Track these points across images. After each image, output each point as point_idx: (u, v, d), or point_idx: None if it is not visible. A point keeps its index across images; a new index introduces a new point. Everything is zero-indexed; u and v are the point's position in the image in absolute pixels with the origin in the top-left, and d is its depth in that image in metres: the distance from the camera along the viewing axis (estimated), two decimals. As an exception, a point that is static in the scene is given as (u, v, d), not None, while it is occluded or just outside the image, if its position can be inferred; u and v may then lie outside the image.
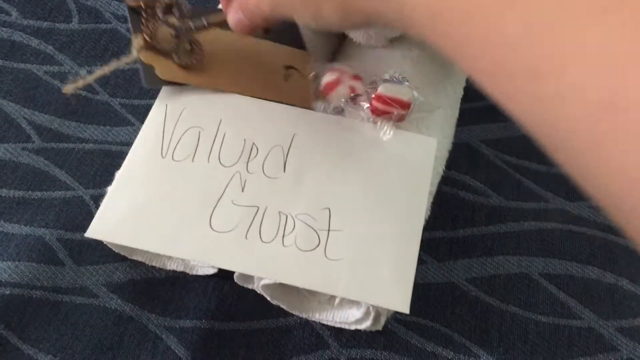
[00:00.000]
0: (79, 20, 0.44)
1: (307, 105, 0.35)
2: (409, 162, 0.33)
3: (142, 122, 0.38)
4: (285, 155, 0.33)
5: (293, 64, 0.37)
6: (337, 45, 0.41)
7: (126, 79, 0.42)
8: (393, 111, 0.34)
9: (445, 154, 0.37)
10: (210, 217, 0.31)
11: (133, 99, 0.42)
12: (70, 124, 0.40)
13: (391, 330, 0.35)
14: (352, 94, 0.35)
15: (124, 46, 0.44)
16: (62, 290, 0.34)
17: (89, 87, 0.42)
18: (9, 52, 0.43)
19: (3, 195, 0.37)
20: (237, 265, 0.30)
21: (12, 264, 0.34)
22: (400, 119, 0.35)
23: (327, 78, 0.35)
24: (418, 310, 0.35)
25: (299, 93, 0.36)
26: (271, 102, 0.35)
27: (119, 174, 0.32)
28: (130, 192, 0.31)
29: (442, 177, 0.36)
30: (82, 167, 0.39)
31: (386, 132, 0.34)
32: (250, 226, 0.31)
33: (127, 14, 0.38)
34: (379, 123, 0.34)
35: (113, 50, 0.43)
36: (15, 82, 0.41)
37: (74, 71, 0.42)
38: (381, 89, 0.34)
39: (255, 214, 0.31)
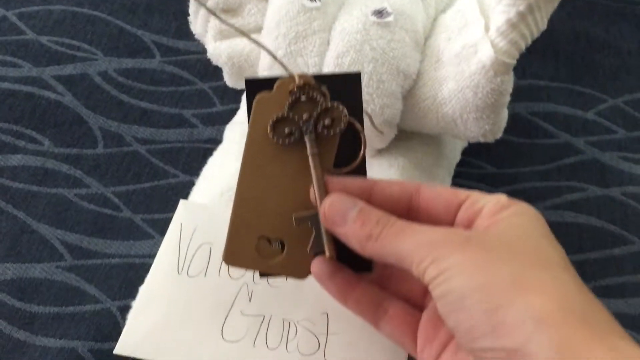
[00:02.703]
0: (103, 145, 0.50)
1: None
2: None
3: (162, 235, 0.43)
4: (287, 265, 0.37)
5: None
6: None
7: (146, 196, 0.47)
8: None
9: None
10: (222, 328, 0.35)
11: (153, 213, 0.47)
12: (98, 241, 0.45)
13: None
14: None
15: (144, 166, 0.49)
16: (93, 398, 0.38)
17: (113, 205, 0.47)
18: (43, 178, 0.48)
19: (40, 312, 0.42)
20: (246, 372, 0.33)
21: (49, 376, 0.39)
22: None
23: None
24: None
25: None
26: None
27: (141, 291, 0.37)
28: (151, 309, 0.36)
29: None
30: (109, 280, 0.43)
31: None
32: (257, 334, 0.34)
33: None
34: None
35: (134, 170, 0.49)
36: (48, 206, 0.47)
37: (100, 192, 0.47)
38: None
39: (262, 322, 0.35)
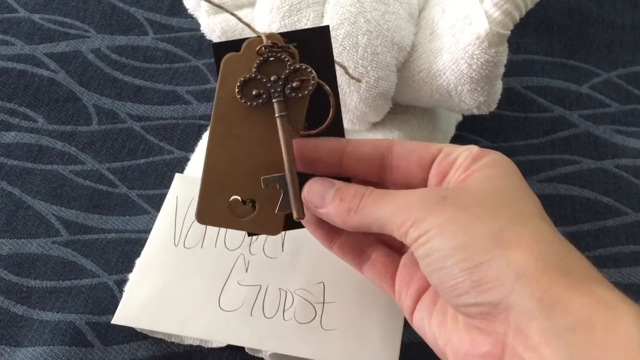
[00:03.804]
0: (98, 122, 0.50)
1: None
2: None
3: (158, 210, 0.43)
4: (283, 236, 0.38)
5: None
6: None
7: (142, 172, 0.48)
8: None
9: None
10: (219, 298, 0.35)
11: (149, 189, 0.47)
12: (94, 216, 0.45)
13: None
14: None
15: (138, 142, 0.49)
16: (92, 370, 0.38)
17: (108, 182, 0.47)
18: (37, 155, 0.48)
19: (37, 286, 0.42)
20: (244, 340, 0.34)
21: (48, 349, 0.39)
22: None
23: None
24: (413, 368, 0.39)
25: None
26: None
27: (138, 263, 0.37)
28: (148, 280, 0.36)
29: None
30: (105, 255, 0.43)
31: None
32: (254, 304, 0.35)
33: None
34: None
35: (129, 147, 0.49)
36: (43, 182, 0.47)
37: (95, 168, 0.47)
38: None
39: (259, 292, 0.35)
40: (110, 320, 0.38)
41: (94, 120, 0.50)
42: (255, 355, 0.37)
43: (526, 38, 0.56)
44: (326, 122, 0.30)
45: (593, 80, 0.54)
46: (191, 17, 0.45)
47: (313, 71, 0.29)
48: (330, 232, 0.32)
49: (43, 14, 0.56)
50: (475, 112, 0.41)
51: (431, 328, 0.28)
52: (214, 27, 0.44)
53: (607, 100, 0.53)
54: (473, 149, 0.28)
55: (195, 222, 0.38)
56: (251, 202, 0.30)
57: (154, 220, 0.42)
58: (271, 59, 0.29)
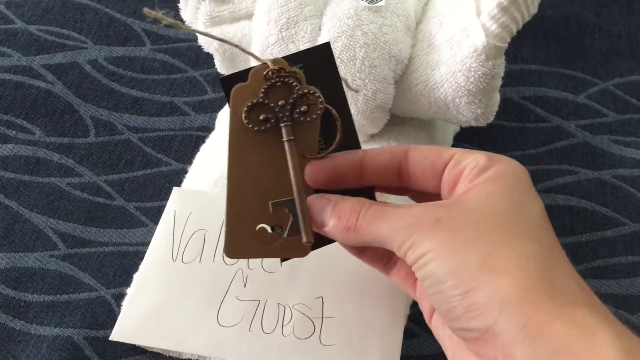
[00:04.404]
0: (95, 134, 0.50)
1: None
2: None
3: (155, 223, 0.43)
4: (282, 250, 0.37)
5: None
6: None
7: (139, 184, 0.47)
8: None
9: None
10: (218, 313, 0.35)
11: (146, 202, 0.47)
12: (91, 229, 0.45)
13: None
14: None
15: (136, 154, 0.49)
16: (90, 385, 0.38)
17: (106, 194, 0.47)
18: (34, 167, 0.48)
19: (34, 300, 0.42)
20: (243, 357, 0.34)
21: (45, 364, 0.39)
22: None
23: None
24: (412, 382, 0.39)
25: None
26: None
27: (136, 278, 0.37)
28: (146, 295, 0.36)
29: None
30: (103, 268, 0.43)
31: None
32: (253, 319, 0.35)
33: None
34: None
35: (127, 159, 0.49)
36: (41, 195, 0.46)
37: (92, 181, 0.47)
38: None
39: (257, 307, 0.35)
40: (109, 335, 0.38)
41: (91, 132, 0.50)
42: (254, 369, 0.37)
43: (523, 48, 0.56)
44: (333, 146, 0.30)
45: (590, 89, 0.54)
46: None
47: (321, 95, 0.29)
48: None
49: (40, 25, 0.56)
50: (473, 124, 0.41)
51: (443, 339, 0.29)
52: (212, 39, 0.44)
53: (605, 110, 0.53)
54: (481, 159, 0.28)
55: (194, 236, 0.38)
56: (279, 227, 0.30)
57: (152, 233, 0.41)
58: (278, 84, 0.29)
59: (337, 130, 0.30)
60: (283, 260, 0.32)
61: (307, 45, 0.39)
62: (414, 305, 0.40)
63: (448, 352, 0.29)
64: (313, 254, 0.36)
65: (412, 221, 0.27)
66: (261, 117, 0.29)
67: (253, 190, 0.30)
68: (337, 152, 0.30)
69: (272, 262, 0.37)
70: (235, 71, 0.30)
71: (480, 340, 0.25)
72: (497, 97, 0.40)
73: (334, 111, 0.30)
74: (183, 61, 0.55)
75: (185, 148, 0.49)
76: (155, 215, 0.45)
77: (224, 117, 0.48)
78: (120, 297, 0.40)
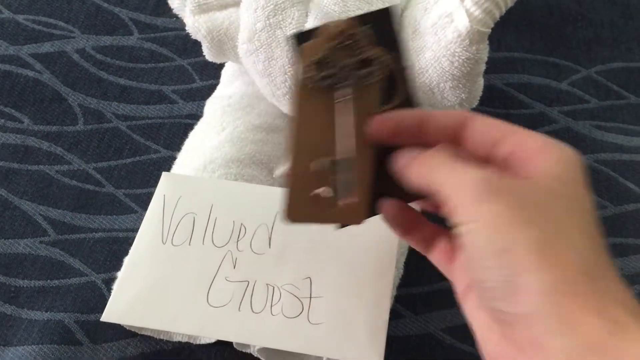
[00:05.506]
0: (83, 122, 0.50)
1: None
2: (378, 234, 0.38)
3: (145, 209, 0.43)
4: (270, 232, 0.38)
5: None
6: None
7: (128, 171, 0.48)
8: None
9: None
10: (207, 294, 0.35)
11: (136, 188, 0.47)
12: (81, 216, 0.45)
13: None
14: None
15: (125, 142, 0.49)
16: (81, 368, 0.39)
17: (95, 181, 0.47)
18: (24, 156, 0.48)
19: (25, 286, 0.42)
20: (233, 336, 0.34)
21: (37, 348, 0.39)
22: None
23: None
24: (399, 361, 0.39)
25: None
26: (255, 185, 0.41)
27: (126, 261, 0.37)
28: (136, 277, 0.36)
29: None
30: (93, 254, 0.44)
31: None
32: (242, 299, 0.35)
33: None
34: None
35: (115, 146, 0.49)
36: (30, 183, 0.47)
37: (81, 168, 0.47)
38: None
39: (246, 288, 0.36)
40: (99, 318, 0.38)
41: (80, 121, 0.50)
42: (244, 350, 0.38)
43: (507, 36, 0.57)
44: (396, 101, 0.31)
45: (572, 76, 0.55)
46: (176, 16, 0.46)
47: (387, 59, 0.29)
48: (406, 225, 0.32)
49: (27, 15, 0.56)
50: (458, 109, 0.42)
51: (477, 320, 0.29)
52: (199, 26, 0.44)
53: (587, 97, 0.54)
54: (539, 140, 0.27)
55: (183, 219, 0.39)
56: (336, 191, 0.30)
57: (142, 219, 0.42)
58: (347, 42, 0.29)
59: (398, 91, 0.31)
60: (341, 227, 0.32)
61: (294, 31, 0.39)
62: (400, 287, 0.41)
63: (477, 333, 0.28)
64: (303, 235, 0.37)
65: (471, 182, 0.26)
66: (326, 74, 0.29)
67: (314, 150, 0.30)
68: (401, 110, 0.31)
69: (261, 244, 0.37)
70: (298, 32, 0.30)
71: (514, 324, 0.25)
72: (481, 82, 0.41)
73: (397, 75, 0.30)
74: (171, 50, 0.55)
75: (174, 135, 0.50)
76: (144, 202, 0.46)
77: (212, 105, 0.49)
78: (110, 281, 0.41)
